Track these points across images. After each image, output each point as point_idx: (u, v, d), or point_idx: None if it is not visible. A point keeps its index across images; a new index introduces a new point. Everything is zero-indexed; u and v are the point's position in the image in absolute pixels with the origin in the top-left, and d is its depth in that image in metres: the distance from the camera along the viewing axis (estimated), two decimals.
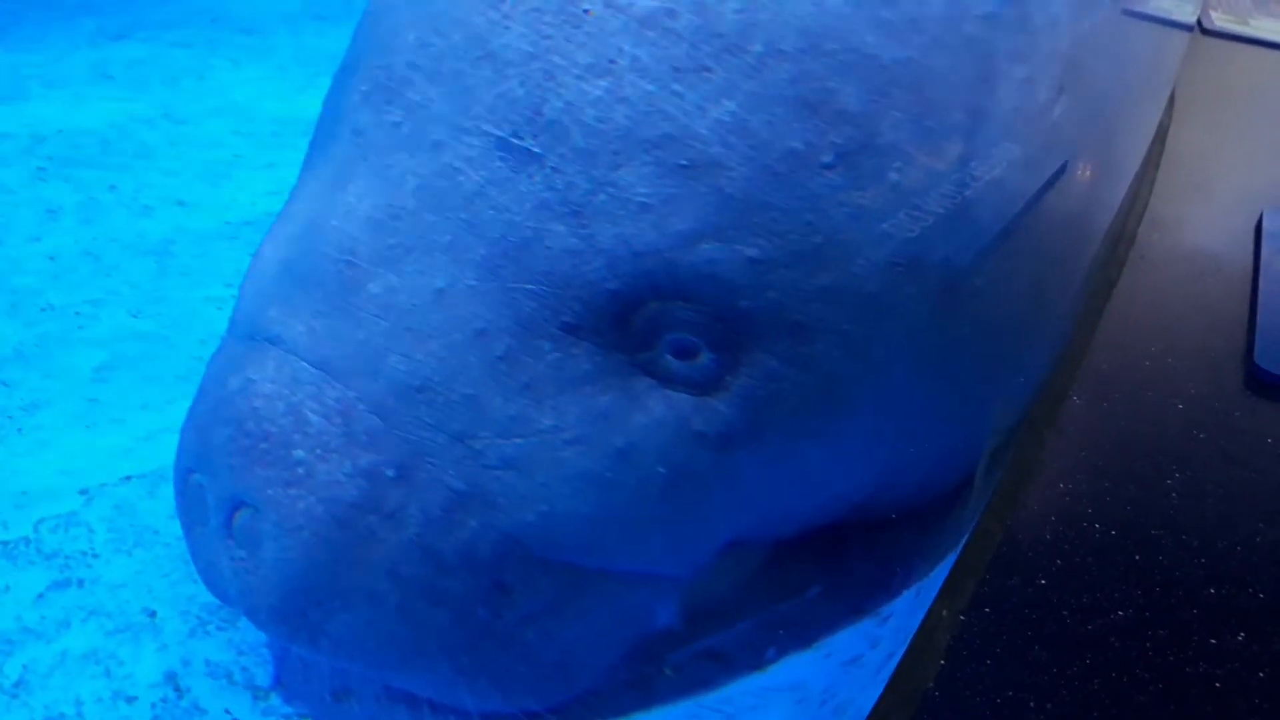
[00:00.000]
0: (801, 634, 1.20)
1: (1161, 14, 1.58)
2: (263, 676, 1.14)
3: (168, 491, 1.08)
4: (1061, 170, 1.11)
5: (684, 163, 0.91)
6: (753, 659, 1.18)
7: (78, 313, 1.77)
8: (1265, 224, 1.51)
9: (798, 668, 1.17)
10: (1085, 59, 1.12)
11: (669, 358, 0.97)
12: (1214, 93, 2.14)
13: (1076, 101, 1.09)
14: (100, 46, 2.89)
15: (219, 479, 0.97)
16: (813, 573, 1.25)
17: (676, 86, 0.91)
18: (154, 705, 1.10)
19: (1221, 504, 0.99)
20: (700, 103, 0.91)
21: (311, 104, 1.14)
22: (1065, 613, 0.84)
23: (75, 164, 2.27)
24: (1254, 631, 0.84)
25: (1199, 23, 2.42)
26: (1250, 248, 1.47)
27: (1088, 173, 1.22)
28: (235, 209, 2.15)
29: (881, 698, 0.78)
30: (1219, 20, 2.51)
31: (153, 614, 1.21)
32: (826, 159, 0.93)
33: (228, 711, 1.10)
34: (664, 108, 0.91)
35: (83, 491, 1.38)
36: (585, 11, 0.93)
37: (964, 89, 0.98)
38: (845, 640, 1.20)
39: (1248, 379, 1.18)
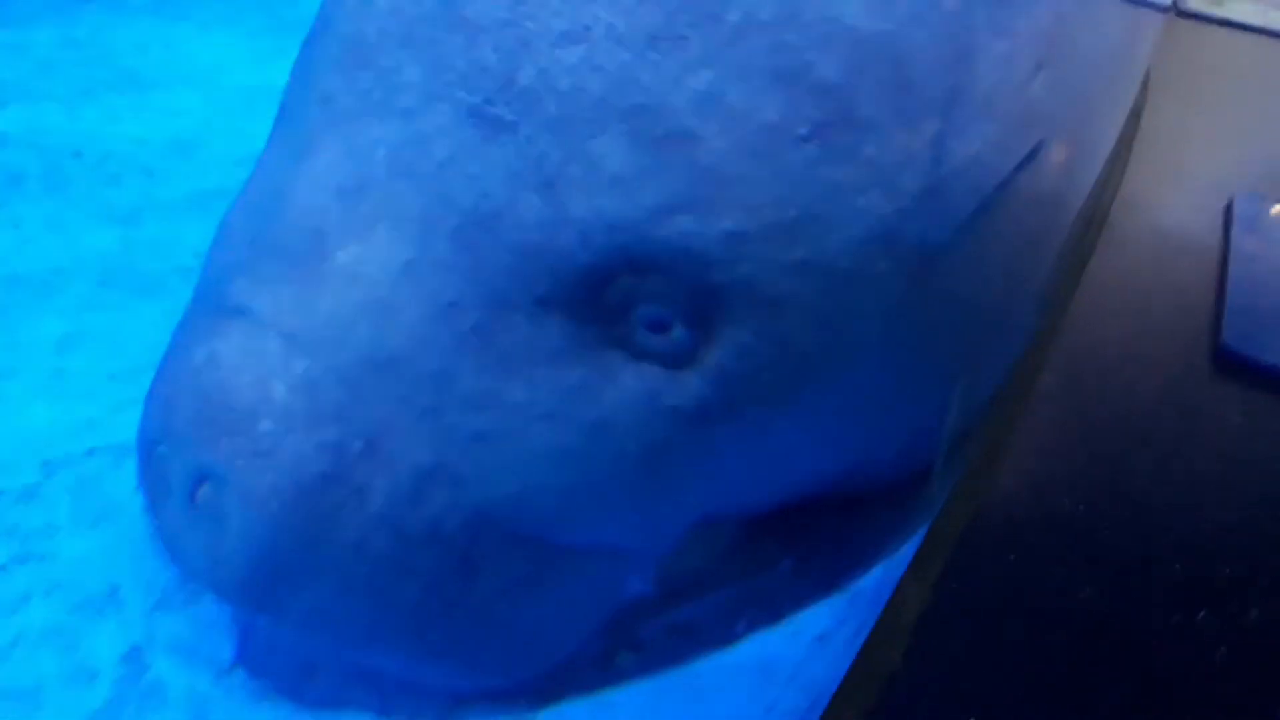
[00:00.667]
0: (771, 610, 1.20)
1: None
2: (227, 652, 1.13)
3: (132, 465, 1.06)
4: (1038, 148, 1.10)
5: (659, 134, 0.90)
6: (722, 634, 1.18)
7: (43, 282, 1.74)
8: (1235, 207, 1.52)
9: (765, 645, 1.17)
10: (1063, 36, 1.11)
11: (642, 331, 0.96)
12: (1188, 75, 2.15)
13: (1054, 79, 1.09)
14: (66, 11, 2.82)
15: (183, 451, 0.96)
16: (784, 548, 1.26)
17: (652, 55, 0.90)
18: (116, 682, 1.09)
19: (1189, 482, 0.99)
20: (676, 73, 0.90)
21: (282, 72, 1.12)
22: (1033, 589, 0.85)
23: (39, 131, 2.22)
24: (1219, 608, 0.85)
25: (1174, 4, 2.43)
26: (1220, 230, 1.48)
27: (1063, 152, 1.22)
28: (204, 178, 2.11)
29: (848, 674, 0.78)
30: (1194, 2, 2.52)
31: (115, 589, 1.19)
32: (802, 132, 0.92)
33: (191, 688, 1.09)
34: (639, 77, 0.90)
35: (45, 464, 1.36)
36: None
37: (943, 64, 0.97)
38: (813, 617, 1.20)
39: (1216, 359, 1.18)
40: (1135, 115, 1.83)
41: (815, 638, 1.17)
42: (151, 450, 1.00)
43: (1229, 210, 1.52)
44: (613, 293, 0.94)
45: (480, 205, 0.92)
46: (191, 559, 0.99)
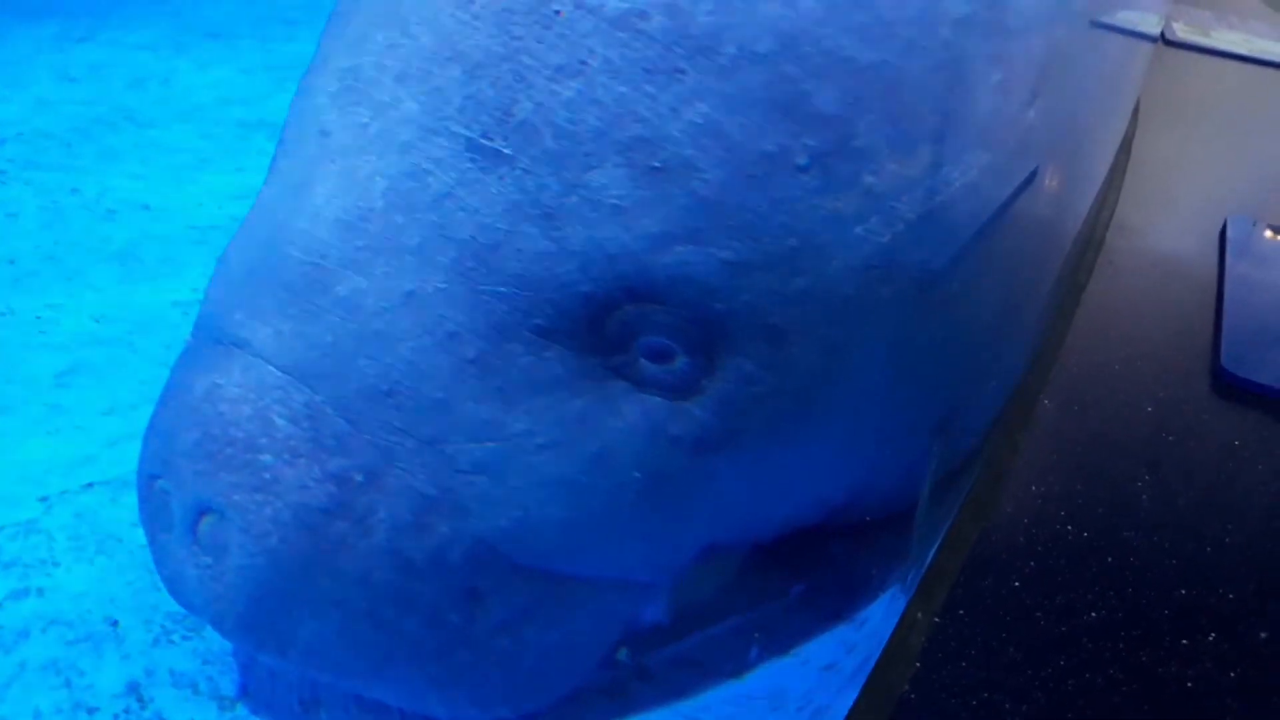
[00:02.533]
0: (779, 640, 1.20)
1: (1128, 25, 1.59)
2: (229, 687, 1.12)
3: (131, 499, 1.06)
4: (1033, 175, 1.11)
5: (656, 164, 0.91)
6: (730, 666, 1.17)
7: (39, 317, 1.74)
8: (1229, 230, 1.53)
9: (775, 675, 1.16)
10: (1057, 66, 1.13)
11: (644, 361, 0.96)
12: (1177, 102, 2.17)
13: (1049, 108, 1.10)
14: (63, 49, 2.85)
15: (184, 484, 0.95)
16: (790, 578, 1.25)
17: (649, 88, 0.91)
18: (116, 716, 1.08)
19: (1191, 505, 0.99)
20: (673, 104, 0.91)
21: (279, 108, 1.13)
22: (1039, 614, 0.84)
23: (37, 167, 2.23)
24: (1224, 631, 0.84)
25: (1162, 34, 2.45)
26: (1215, 253, 1.49)
27: (1058, 179, 1.23)
28: (201, 213, 2.12)
29: (857, 700, 0.78)
30: (1181, 32, 2.55)
31: (115, 623, 1.18)
32: (801, 161, 0.93)
33: None
34: (636, 109, 0.91)
35: (43, 499, 1.35)
36: (556, 13, 0.93)
37: (939, 93, 0.98)
38: (821, 647, 1.19)
39: (1214, 382, 1.19)
40: (1127, 143, 1.85)
41: (824, 666, 1.17)
42: (151, 484, 1.00)
43: (1223, 234, 1.53)
44: (614, 323, 0.95)
45: (479, 237, 0.92)
46: (192, 593, 0.98)
